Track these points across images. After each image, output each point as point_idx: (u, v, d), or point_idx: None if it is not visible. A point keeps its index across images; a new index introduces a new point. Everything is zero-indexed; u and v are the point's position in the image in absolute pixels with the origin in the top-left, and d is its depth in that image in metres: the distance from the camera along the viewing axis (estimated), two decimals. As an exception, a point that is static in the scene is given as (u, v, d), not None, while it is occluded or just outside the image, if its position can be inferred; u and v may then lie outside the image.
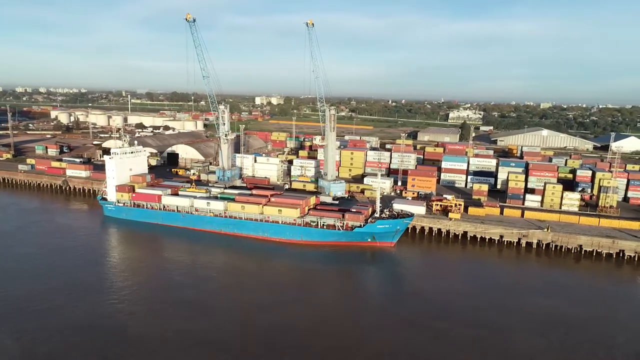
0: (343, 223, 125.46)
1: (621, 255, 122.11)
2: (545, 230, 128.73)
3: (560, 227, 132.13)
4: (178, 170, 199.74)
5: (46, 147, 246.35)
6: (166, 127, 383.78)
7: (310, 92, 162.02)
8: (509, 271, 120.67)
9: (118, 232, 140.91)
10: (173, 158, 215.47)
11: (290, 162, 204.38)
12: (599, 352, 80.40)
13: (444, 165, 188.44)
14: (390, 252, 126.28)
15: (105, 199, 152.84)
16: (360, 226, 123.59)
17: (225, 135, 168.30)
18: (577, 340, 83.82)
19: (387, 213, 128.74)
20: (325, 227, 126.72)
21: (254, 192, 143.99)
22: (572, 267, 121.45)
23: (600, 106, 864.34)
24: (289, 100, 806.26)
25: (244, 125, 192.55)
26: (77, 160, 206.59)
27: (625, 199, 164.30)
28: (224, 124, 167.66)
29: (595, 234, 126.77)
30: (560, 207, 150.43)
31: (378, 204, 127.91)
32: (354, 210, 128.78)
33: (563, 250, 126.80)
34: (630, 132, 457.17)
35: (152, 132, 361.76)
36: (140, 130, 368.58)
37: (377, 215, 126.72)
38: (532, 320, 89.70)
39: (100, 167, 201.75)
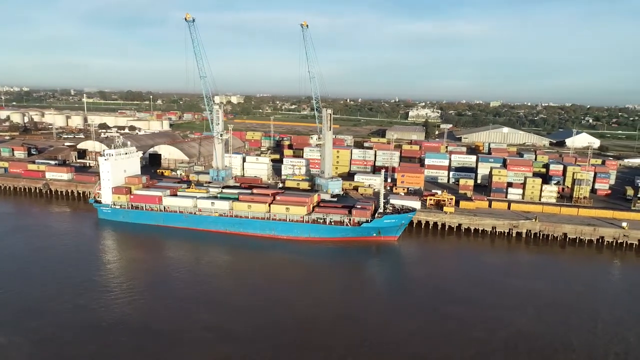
0: (350, 219, 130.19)
1: (601, 241, 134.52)
2: (534, 220, 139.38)
3: (545, 218, 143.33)
4: (164, 171, 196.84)
5: (12, 149, 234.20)
6: (132, 128, 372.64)
7: (305, 91, 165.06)
8: (503, 259, 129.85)
9: (118, 234, 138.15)
10: (155, 159, 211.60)
11: (273, 161, 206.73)
12: (591, 324, 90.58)
13: (427, 162, 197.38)
14: (394, 246, 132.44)
15: (99, 202, 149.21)
16: (367, 221, 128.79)
17: (220, 135, 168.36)
18: (566, 316, 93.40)
19: (391, 208, 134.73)
20: (332, 223, 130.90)
21: (255, 191, 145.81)
22: (559, 253, 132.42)
23: (544, 104, 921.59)
24: (249, 99, 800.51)
25: (232, 126, 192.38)
26: (52, 162, 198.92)
27: (593, 190, 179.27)
28: (218, 123, 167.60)
29: (577, 223, 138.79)
30: (540, 199, 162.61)
31: (382, 200, 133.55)
32: (360, 206, 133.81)
33: (549, 238, 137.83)
34: (577, 128, 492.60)
35: (117, 132, 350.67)
36: (104, 130, 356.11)
37: (381, 210, 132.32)
38: (527, 301, 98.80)
39: (81, 169, 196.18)
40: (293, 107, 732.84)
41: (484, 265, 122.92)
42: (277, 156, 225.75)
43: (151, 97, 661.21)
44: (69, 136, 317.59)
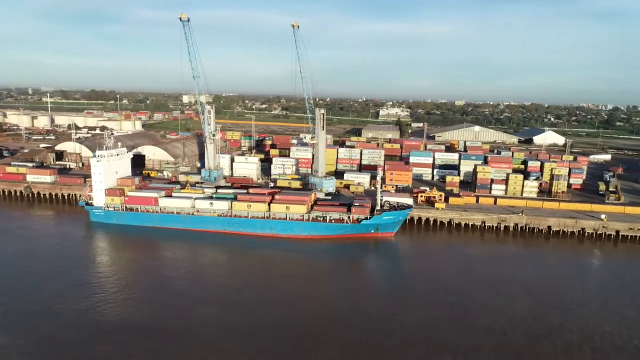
0: (350, 216, 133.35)
1: (582, 232, 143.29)
2: (520, 214, 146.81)
3: (529, 212, 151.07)
4: (149, 172, 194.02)
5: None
6: (103, 128, 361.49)
7: (297, 92, 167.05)
8: (493, 251, 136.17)
9: (113, 236, 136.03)
10: (139, 159, 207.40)
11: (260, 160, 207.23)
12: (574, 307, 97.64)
13: (411, 160, 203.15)
14: (391, 241, 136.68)
15: (90, 204, 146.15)
16: (366, 218, 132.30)
17: (213, 136, 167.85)
18: (553, 301, 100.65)
19: (388, 205, 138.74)
20: (332, 221, 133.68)
21: (252, 190, 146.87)
22: (544, 245, 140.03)
23: (505, 103, 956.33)
24: (218, 99, 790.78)
25: (220, 126, 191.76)
26: (30, 164, 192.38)
27: (568, 185, 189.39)
28: (210, 124, 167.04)
29: (560, 216, 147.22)
30: (521, 194, 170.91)
31: (379, 197, 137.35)
32: (358, 204, 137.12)
33: (535, 231, 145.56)
34: (540, 126, 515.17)
35: (88, 132, 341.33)
36: (74, 131, 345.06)
37: (378, 208, 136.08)
38: (519, 289, 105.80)
39: (62, 171, 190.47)
40: (263, 106, 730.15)
41: (477, 258, 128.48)
42: (261, 156, 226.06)
43: (118, 96, 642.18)
44: (39, 137, 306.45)
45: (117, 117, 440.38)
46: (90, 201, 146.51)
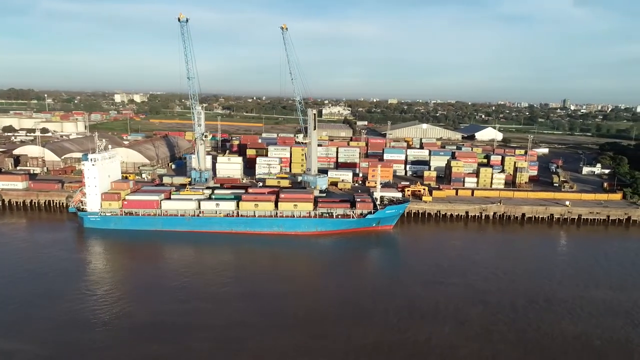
0: (354, 211, 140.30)
1: (551, 218, 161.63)
2: (499, 204, 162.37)
3: (504, 201, 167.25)
4: (128, 175, 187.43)
5: None
6: (44, 130, 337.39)
7: (286, 94, 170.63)
8: (478, 237, 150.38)
9: (113, 243, 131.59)
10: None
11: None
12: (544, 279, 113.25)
13: (386, 156, 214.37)
14: (390, 234, 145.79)
15: (82, 210, 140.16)
16: (370, 213, 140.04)
17: (205, 137, 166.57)
18: (532, 276, 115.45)
19: (387, 200, 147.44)
20: (339, 216, 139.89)
21: (251, 190, 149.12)
22: (519, 230, 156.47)
23: (433, 101, 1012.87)
24: (154, 98, 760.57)
25: (208, 126, 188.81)
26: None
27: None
28: (200, 125, 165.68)
29: (531, 204, 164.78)
30: (491, 186, 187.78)
31: (379, 193, 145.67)
32: (360, 199, 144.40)
33: (511, 218, 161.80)
34: (473, 123, 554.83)
35: (27, 135, 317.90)
36: (13, 134, 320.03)
37: (378, 202, 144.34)
38: (507, 268, 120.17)
39: (32, 177, 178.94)
40: (203, 105, 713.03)
41: (465, 244, 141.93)
42: (236, 156, 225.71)
43: (46, 95, 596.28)
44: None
45: (53, 118, 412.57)
46: (82, 207, 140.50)
